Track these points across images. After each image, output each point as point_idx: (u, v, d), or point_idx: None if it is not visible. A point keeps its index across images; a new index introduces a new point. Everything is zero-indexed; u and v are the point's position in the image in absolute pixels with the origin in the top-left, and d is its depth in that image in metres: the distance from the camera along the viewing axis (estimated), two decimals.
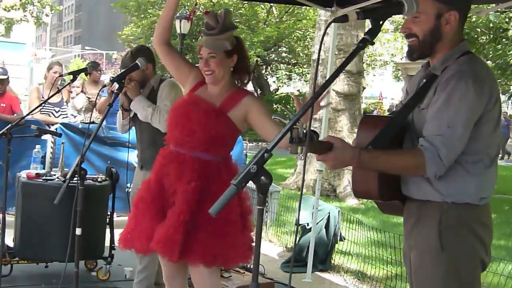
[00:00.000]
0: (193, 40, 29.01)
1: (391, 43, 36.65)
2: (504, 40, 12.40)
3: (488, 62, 26.29)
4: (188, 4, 27.56)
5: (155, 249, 3.31)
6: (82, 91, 8.38)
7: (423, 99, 2.55)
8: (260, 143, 22.26)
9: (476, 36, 21.73)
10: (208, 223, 3.22)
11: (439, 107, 2.43)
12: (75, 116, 8.20)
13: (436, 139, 2.39)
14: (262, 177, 1.87)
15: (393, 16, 2.31)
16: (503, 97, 49.13)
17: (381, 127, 2.52)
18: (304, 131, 2.01)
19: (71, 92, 8.30)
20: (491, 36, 19.39)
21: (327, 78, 2.19)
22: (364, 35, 2.13)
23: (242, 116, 3.43)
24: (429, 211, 2.51)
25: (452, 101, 2.40)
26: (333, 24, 6.65)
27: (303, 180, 2.46)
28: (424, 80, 2.61)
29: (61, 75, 7.40)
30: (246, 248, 3.38)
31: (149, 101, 4.47)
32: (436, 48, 2.56)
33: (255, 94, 3.41)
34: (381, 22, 2.17)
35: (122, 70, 4.22)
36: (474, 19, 19.93)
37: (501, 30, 12.55)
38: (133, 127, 4.83)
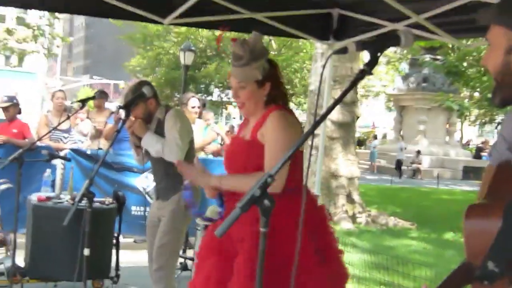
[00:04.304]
0: (196, 71, 29.31)
1: (382, 75, 37.39)
2: None
3: (476, 94, 26.33)
4: (192, 37, 27.92)
5: None
6: (87, 117, 8.58)
7: None
8: None
9: (463, 69, 21.83)
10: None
11: None
12: (82, 142, 8.36)
13: None
14: (265, 201, 1.95)
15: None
16: (489, 127, 48.17)
17: (496, 218, 1.59)
18: None
19: (76, 119, 8.48)
20: (480, 68, 19.54)
21: (324, 108, 2.23)
22: (363, 66, 2.23)
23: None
24: None
25: None
26: None
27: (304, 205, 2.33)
28: None
29: (71, 102, 7.59)
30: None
31: (157, 136, 4.41)
32: None
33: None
34: (378, 54, 2.29)
35: (129, 99, 4.22)
36: (463, 51, 19.96)
37: None
38: None
